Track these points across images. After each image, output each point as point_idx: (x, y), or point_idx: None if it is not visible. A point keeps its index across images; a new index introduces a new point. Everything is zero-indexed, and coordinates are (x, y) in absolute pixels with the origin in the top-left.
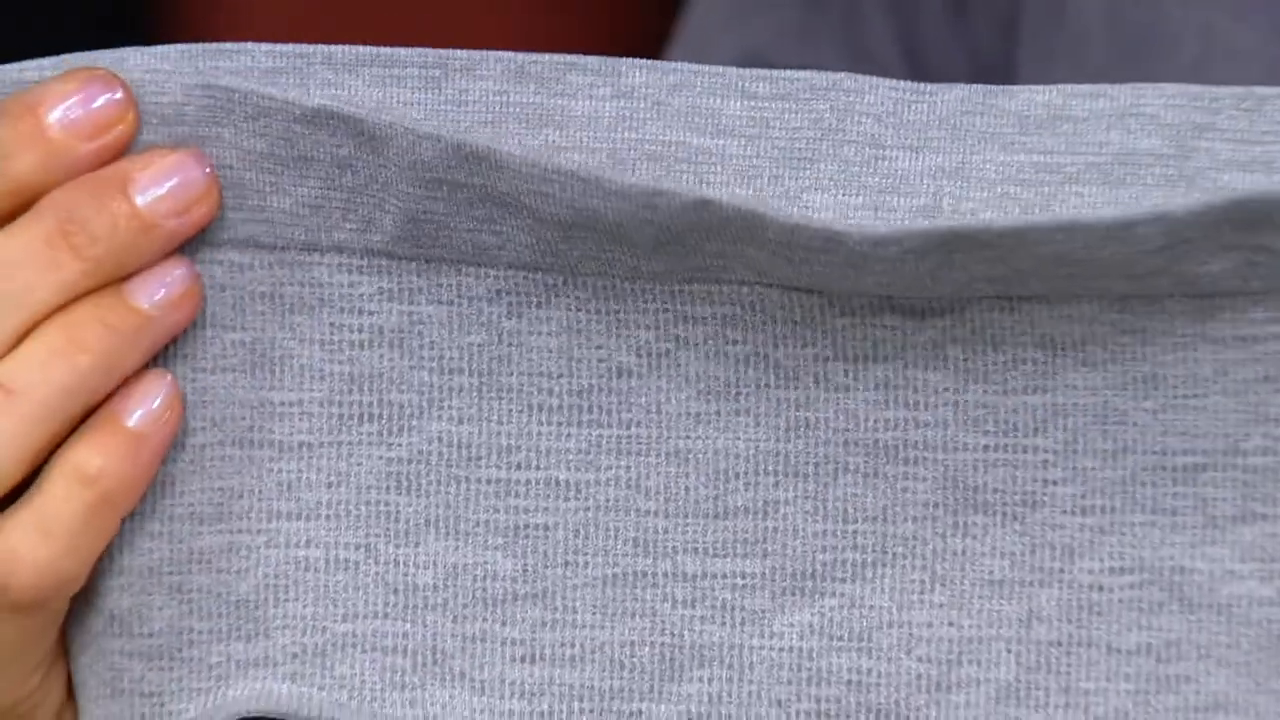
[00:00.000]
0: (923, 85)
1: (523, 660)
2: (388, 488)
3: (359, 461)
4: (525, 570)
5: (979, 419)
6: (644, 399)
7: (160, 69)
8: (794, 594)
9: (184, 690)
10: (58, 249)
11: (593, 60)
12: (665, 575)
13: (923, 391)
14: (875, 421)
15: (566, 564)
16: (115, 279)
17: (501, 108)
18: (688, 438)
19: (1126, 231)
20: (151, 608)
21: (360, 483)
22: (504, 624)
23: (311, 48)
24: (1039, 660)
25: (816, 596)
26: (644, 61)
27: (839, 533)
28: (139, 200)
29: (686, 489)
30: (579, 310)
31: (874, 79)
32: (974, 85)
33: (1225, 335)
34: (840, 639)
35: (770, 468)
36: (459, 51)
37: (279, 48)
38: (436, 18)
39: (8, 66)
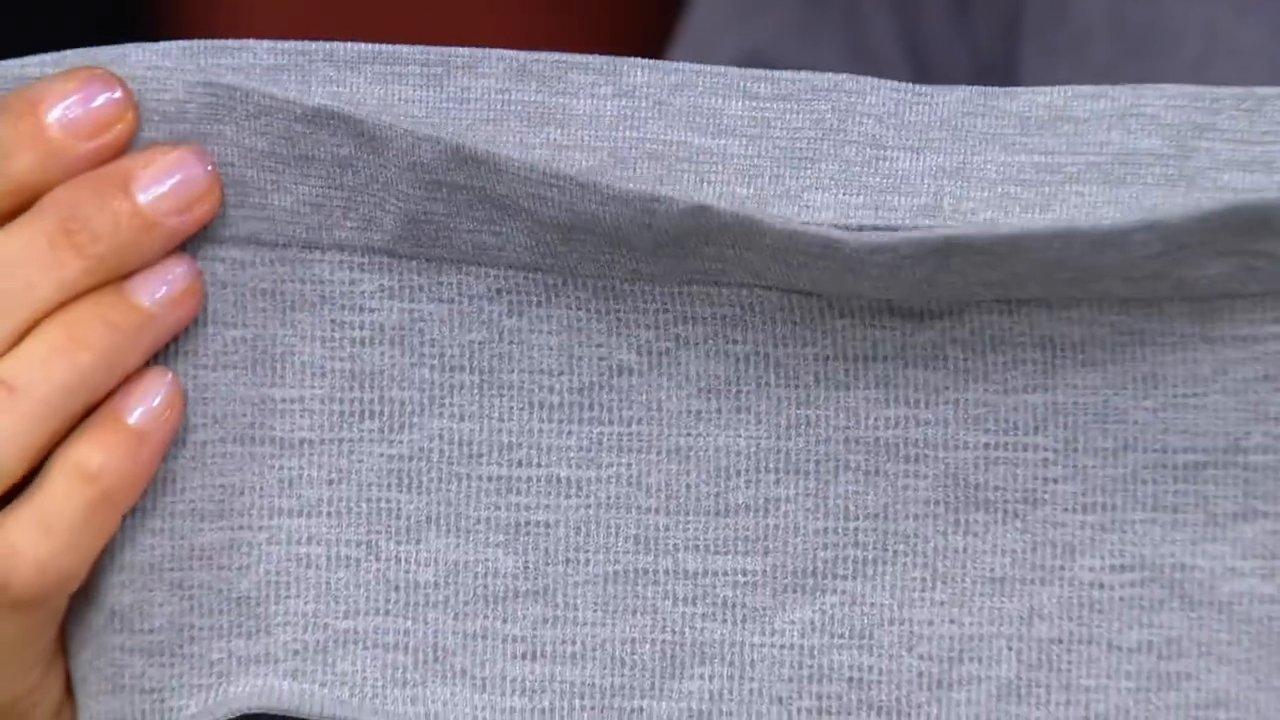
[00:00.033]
0: (924, 87)
1: (524, 657)
2: (389, 485)
3: (360, 458)
4: (526, 567)
5: (979, 417)
6: (645, 396)
7: (162, 66)
8: (795, 591)
9: (185, 687)
10: (59, 247)
11: (594, 59)
12: (666, 572)
13: (923, 390)
14: (876, 419)
15: (568, 561)
16: (117, 277)
17: (503, 106)
18: (688, 435)
19: (1123, 238)
20: (153, 604)
21: (361, 480)
22: (505, 621)
23: (314, 45)
24: (1040, 658)
25: (817, 594)
26: (646, 61)
27: (840, 530)
28: (141, 198)
29: (687, 486)
30: (579, 309)
31: (875, 80)
32: (975, 87)
33: (1224, 335)
34: (841, 636)
35: (771, 465)
36: (461, 49)
37: (281, 44)
38: (436, 18)
39: (9, 62)
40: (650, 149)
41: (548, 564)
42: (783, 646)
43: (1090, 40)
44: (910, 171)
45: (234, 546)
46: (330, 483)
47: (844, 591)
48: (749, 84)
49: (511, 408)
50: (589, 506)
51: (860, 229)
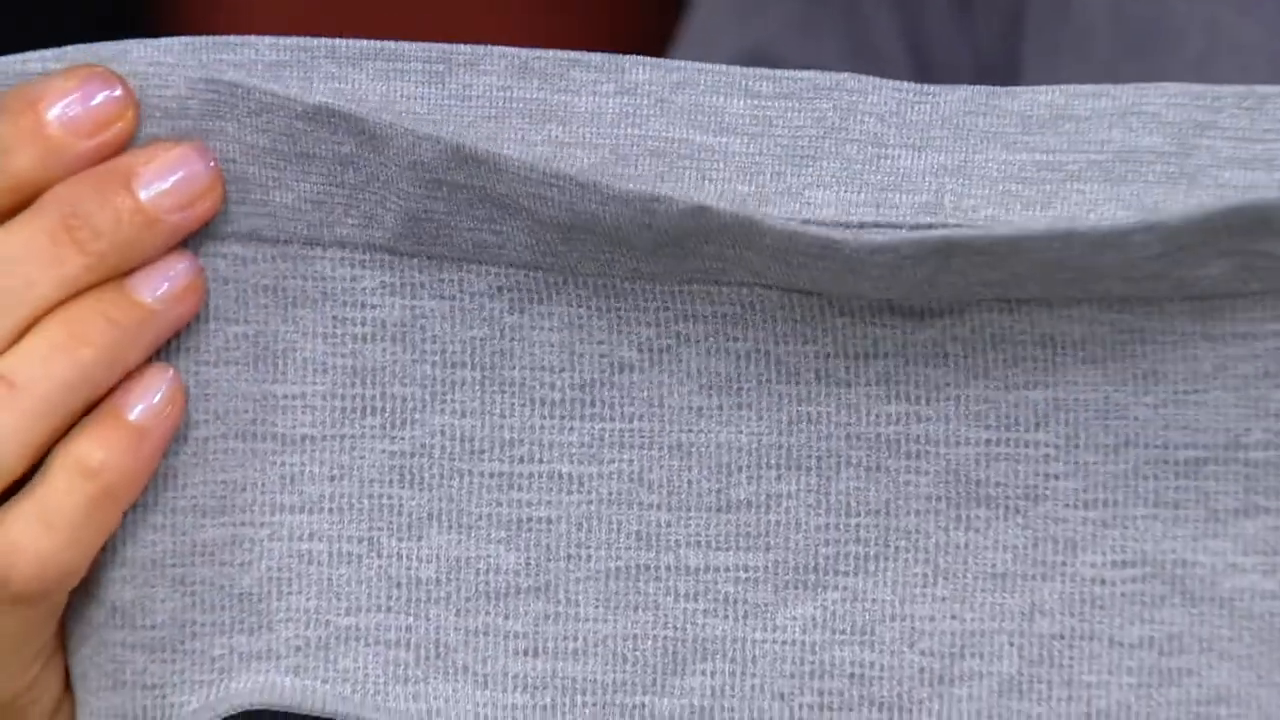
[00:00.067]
0: (926, 86)
1: (525, 654)
2: (390, 481)
3: (362, 455)
4: (528, 564)
5: (980, 414)
6: (646, 393)
7: (164, 62)
8: (796, 587)
9: (186, 683)
10: (61, 244)
11: (596, 57)
12: (668, 569)
13: (924, 387)
14: (877, 416)
15: (569, 557)
16: (118, 273)
17: (505, 103)
18: (690, 431)
19: (1123, 239)
20: (154, 600)
21: (363, 476)
22: (507, 617)
23: (316, 41)
24: (1041, 653)
25: (819, 590)
26: (647, 59)
27: (841, 526)
28: (143, 195)
29: (689, 482)
30: (580, 306)
31: (877, 79)
32: (977, 86)
33: (1225, 333)
34: (843, 632)
35: (772, 461)
36: (463, 46)
37: (283, 41)
38: (436, 18)
39: (10, 58)
40: (652, 146)
41: (549, 560)
42: (784, 642)
43: (1092, 38)
44: (911, 169)
45: (236, 542)
46: (332, 479)
47: (845, 587)
48: (751, 82)
49: (513, 404)
50: (590, 503)
51: (861, 226)
